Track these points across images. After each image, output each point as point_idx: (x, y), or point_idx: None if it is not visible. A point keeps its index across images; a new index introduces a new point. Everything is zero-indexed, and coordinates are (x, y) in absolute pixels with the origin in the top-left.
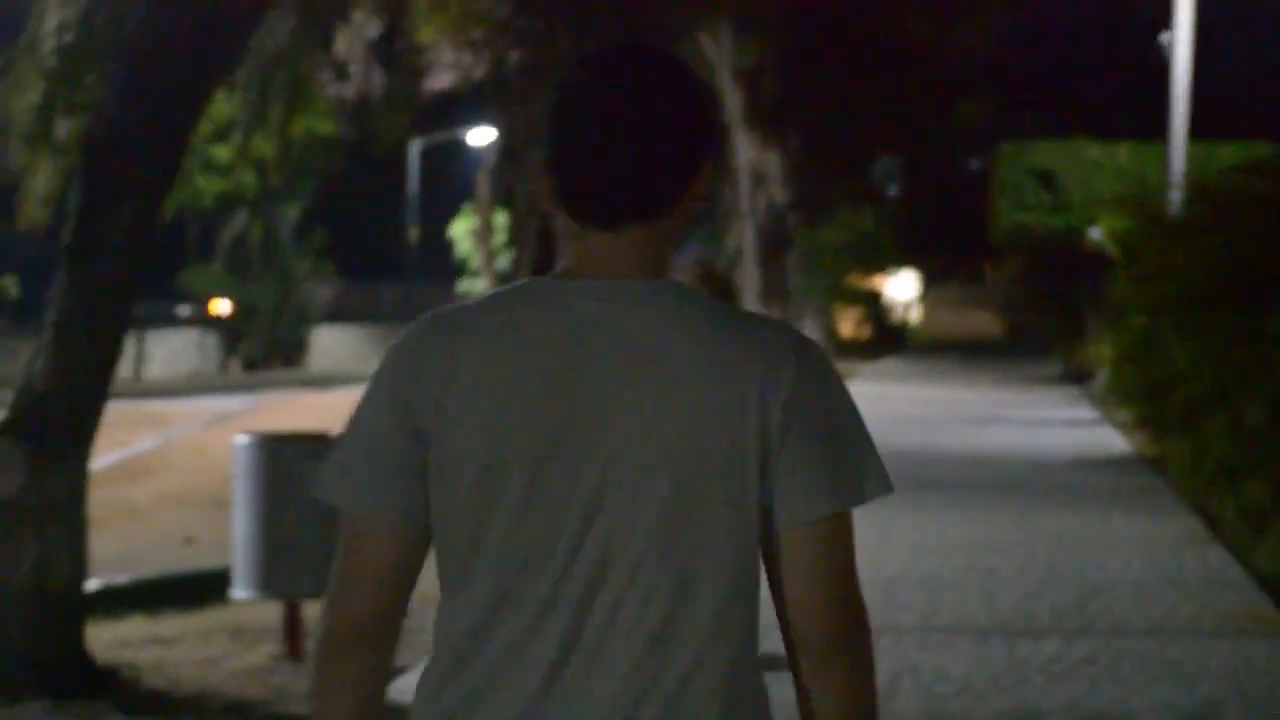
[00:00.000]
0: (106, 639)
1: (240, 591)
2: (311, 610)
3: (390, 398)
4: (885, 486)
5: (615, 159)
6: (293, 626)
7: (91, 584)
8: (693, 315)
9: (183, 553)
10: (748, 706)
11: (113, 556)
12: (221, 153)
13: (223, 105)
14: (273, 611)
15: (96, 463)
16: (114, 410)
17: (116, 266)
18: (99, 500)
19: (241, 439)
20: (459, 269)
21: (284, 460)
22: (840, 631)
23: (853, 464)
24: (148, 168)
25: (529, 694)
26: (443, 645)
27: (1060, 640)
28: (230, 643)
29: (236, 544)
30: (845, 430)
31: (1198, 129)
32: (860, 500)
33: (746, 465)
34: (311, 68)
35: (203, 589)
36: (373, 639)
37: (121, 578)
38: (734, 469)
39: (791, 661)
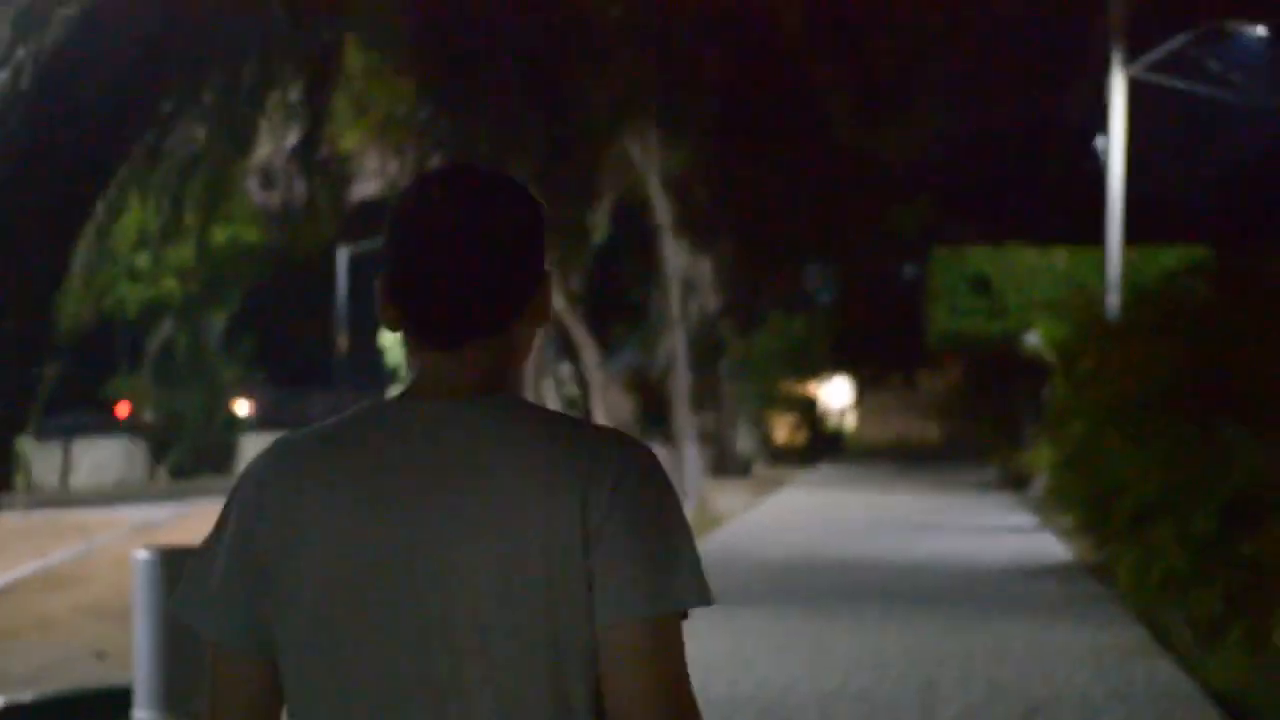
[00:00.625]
0: None
1: (142, 713)
2: None
3: (236, 527)
4: (702, 597)
5: (450, 281)
6: None
7: None
8: (521, 429)
9: (94, 667)
10: None
11: (23, 671)
12: (145, 260)
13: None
14: None
15: (14, 573)
16: (37, 519)
17: (4, 375)
18: (13, 611)
19: (141, 554)
20: (390, 376)
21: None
22: None
23: (668, 568)
24: (33, 270)
25: None
26: None
27: None
28: None
29: (138, 663)
30: (665, 534)
31: (1134, 233)
32: (674, 606)
33: (571, 573)
34: (230, 175)
35: (111, 707)
36: None
37: (26, 695)
38: (558, 577)
39: None
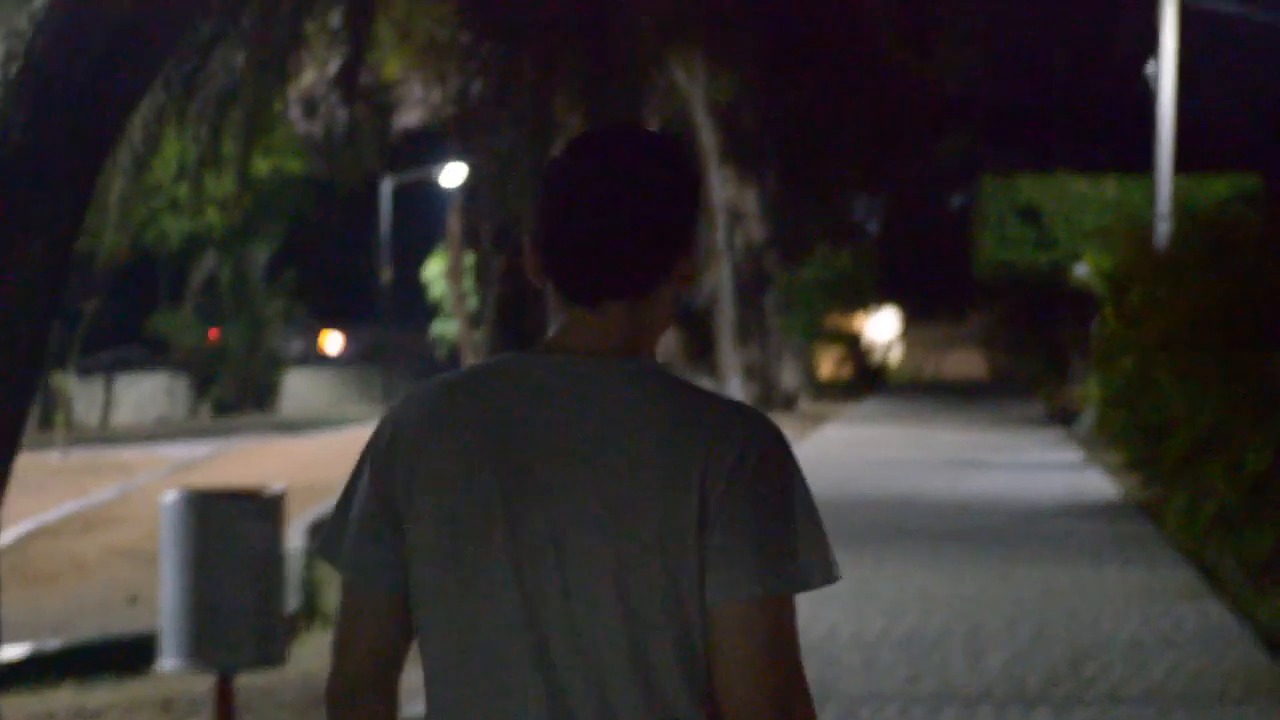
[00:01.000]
0: (32, 710)
1: (168, 663)
2: (245, 682)
3: (372, 471)
4: (825, 576)
5: (599, 240)
6: (224, 702)
7: (19, 650)
8: (650, 399)
9: (126, 613)
10: None
11: (55, 616)
12: (186, 192)
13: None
14: (206, 684)
15: (52, 513)
16: (77, 458)
17: (28, 307)
18: (48, 554)
19: (168, 496)
20: (433, 311)
21: (216, 520)
22: (765, 717)
23: (787, 548)
24: (57, 199)
25: None
26: (431, 710)
27: (1052, 710)
28: (157, 718)
29: (164, 611)
30: (784, 514)
31: (1184, 162)
32: (790, 587)
33: (685, 547)
34: (269, 103)
35: (138, 654)
36: (372, 691)
37: (53, 643)
38: (673, 550)
39: None
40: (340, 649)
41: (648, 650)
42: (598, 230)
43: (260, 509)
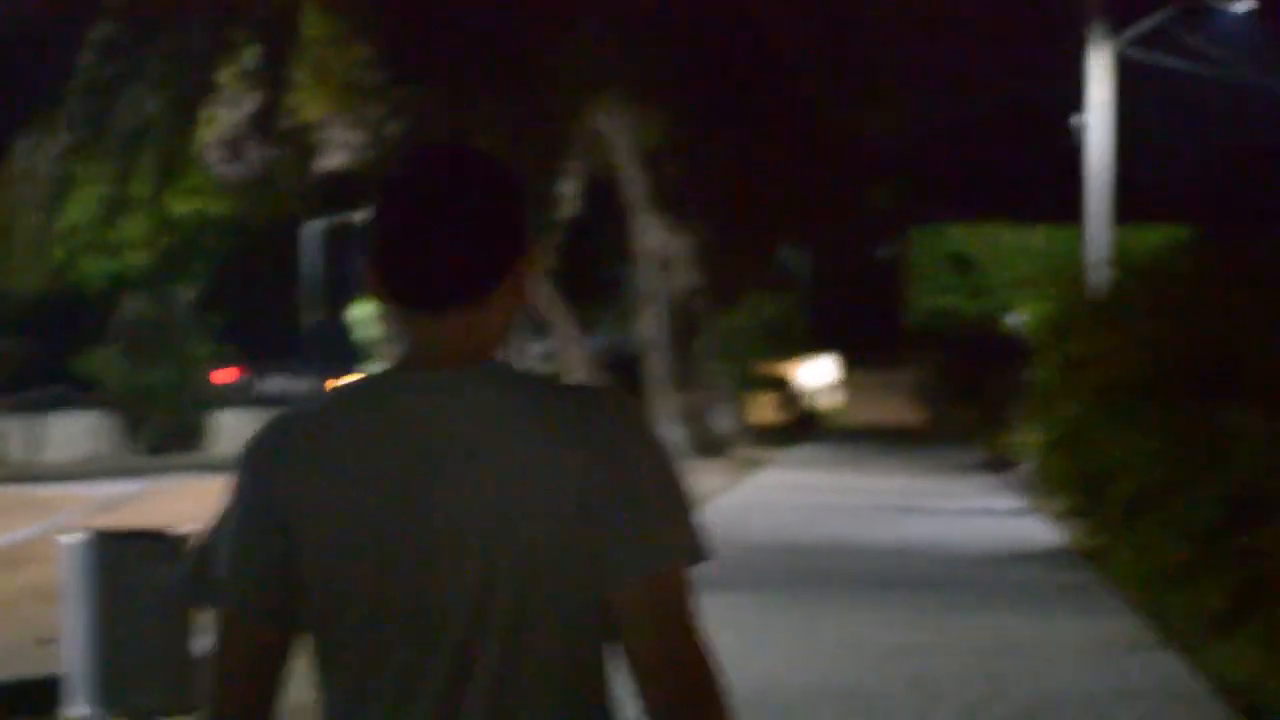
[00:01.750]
0: None
1: (75, 709)
2: None
3: (249, 500)
4: (709, 545)
5: (430, 245)
6: None
7: None
8: (512, 395)
9: (37, 655)
10: None
11: None
12: (108, 234)
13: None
14: None
15: None
16: (2, 495)
17: None
18: None
19: (70, 538)
20: (359, 351)
21: (121, 561)
22: (679, 685)
23: (668, 526)
24: None
25: None
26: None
27: None
28: None
29: (69, 656)
30: (662, 493)
31: (1117, 213)
32: (681, 560)
33: (575, 539)
34: (182, 144)
35: (48, 698)
36: None
37: None
38: (560, 540)
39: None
40: (221, 689)
41: (548, 647)
42: (429, 235)
43: (167, 549)
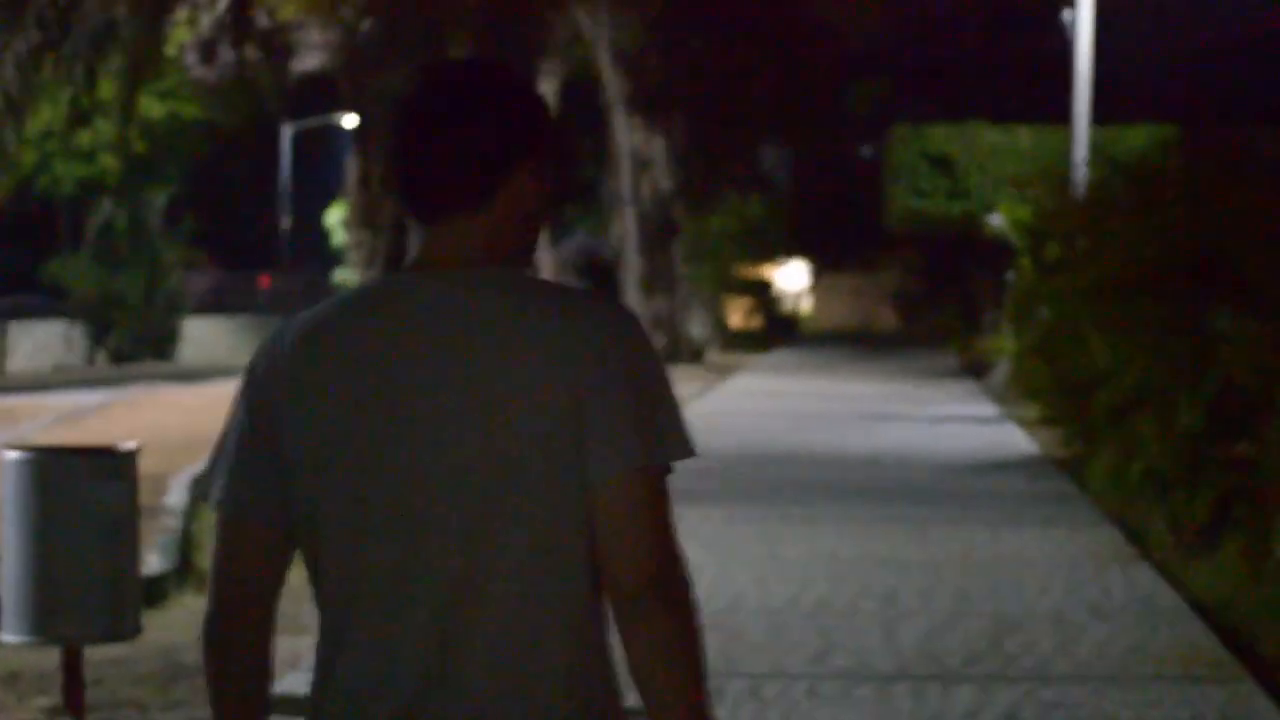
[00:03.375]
0: None
1: (9, 635)
2: (98, 654)
3: (250, 401)
4: (686, 449)
5: (427, 157)
6: (72, 675)
7: None
8: (508, 297)
9: None
10: (581, 657)
11: None
12: (84, 137)
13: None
14: (56, 657)
15: None
16: None
17: None
18: None
19: (10, 454)
20: (335, 257)
21: (61, 480)
22: (650, 579)
23: (654, 424)
24: None
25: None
26: (322, 627)
27: (975, 688)
28: (1, 694)
29: (4, 581)
30: (650, 393)
31: (1100, 113)
32: (662, 457)
33: (566, 435)
34: (152, 45)
35: None
36: (247, 626)
37: None
38: (551, 432)
39: (614, 615)
40: (216, 585)
41: (537, 545)
42: (425, 148)
43: (111, 467)
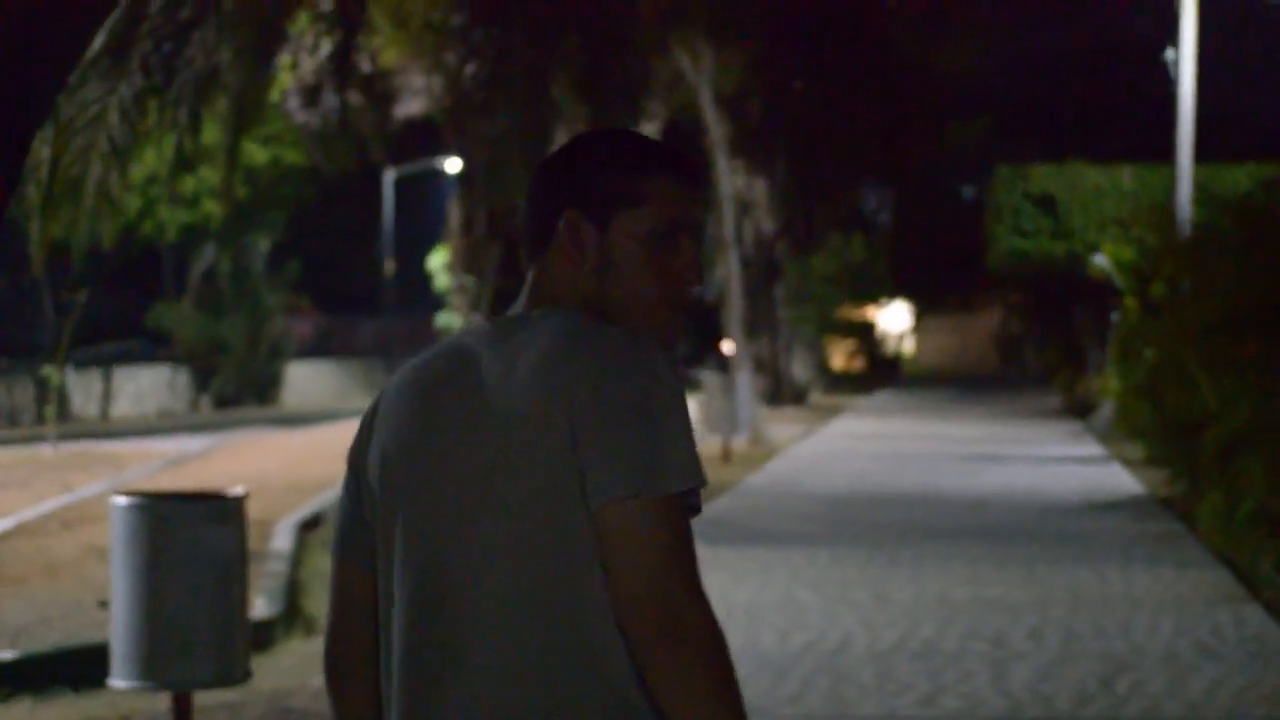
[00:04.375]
0: None
1: (119, 680)
2: (208, 699)
3: (352, 445)
4: (691, 476)
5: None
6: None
7: None
8: (546, 332)
9: (96, 617)
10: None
11: (25, 619)
12: (188, 183)
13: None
14: (166, 700)
15: (34, 509)
16: (70, 451)
17: None
18: (24, 552)
19: (119, 500)
20: (439, 302)
21: (171, 525)
22: (651, 616)
23: (649, 452)
24: None
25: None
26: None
27: None
28: None
29: (114, 626)
30: (647, 420)
31: (1201, 151)
32: (660, 487)
33: (566, 470)
34: (257, 90)
35: (99, 665)
36: (352, 669)
37: (7, 654)
38: (556, 476)
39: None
40: (329, 626)
41: (545, 581)
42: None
43: (219, 512)
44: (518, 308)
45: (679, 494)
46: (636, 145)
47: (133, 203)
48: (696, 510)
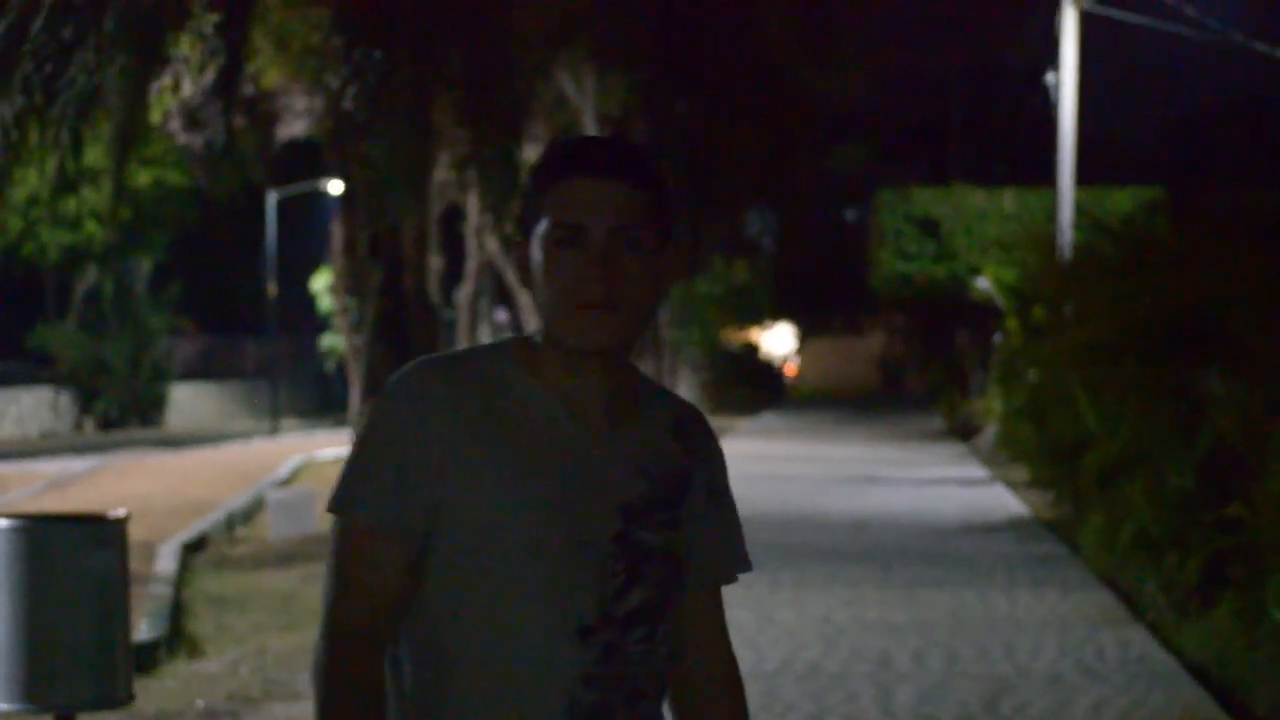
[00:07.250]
0: None
1: (0, 703)
2: None
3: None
4: (333, 502)
5: None
6: None
7: None
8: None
9: None
10: None
11: None
12: (70, 204)
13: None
14: None
15: None
16: None
17: None
18: None
19: (0, 522)
20: (321, 322)
21: (50, 548)
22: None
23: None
24: None
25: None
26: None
27: None
28: None
29: None
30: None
31: (1085, 174)
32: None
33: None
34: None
35: None
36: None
37: None
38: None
39: None
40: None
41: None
42: None
43: (100, 534)
44: None
45: (344, 514)
46: (545, 155)
47: (14, 224)
48: (370, 533)
